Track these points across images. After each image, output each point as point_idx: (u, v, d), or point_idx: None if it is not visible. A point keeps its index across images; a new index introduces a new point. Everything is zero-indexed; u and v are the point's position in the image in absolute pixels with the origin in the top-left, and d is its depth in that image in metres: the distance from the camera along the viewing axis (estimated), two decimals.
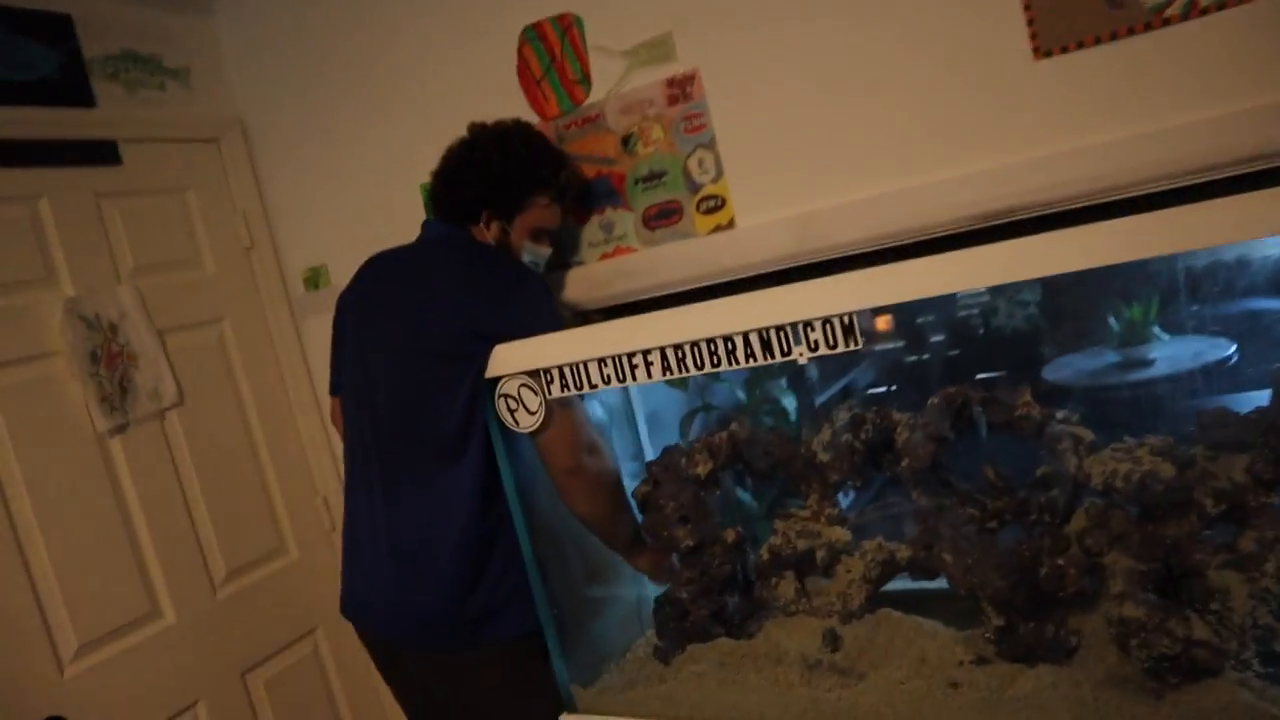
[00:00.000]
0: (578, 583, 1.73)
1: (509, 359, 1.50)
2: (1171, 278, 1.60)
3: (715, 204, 1.80)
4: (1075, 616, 1.24)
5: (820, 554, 1.45)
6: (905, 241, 1.62)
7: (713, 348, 1.29)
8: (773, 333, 1.24)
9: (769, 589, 1.49)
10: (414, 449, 1.61)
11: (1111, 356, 1.80)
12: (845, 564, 1.44)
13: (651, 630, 1.61)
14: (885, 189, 1.62)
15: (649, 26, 1.78)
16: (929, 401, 1.39)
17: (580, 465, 1.54)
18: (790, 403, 2.09)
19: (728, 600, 1.52)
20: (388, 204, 2.15)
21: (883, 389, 2.06)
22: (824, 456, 1.46)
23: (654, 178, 1.85)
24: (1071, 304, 1.82)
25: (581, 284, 1.95)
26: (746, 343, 1.26)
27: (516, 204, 1.72)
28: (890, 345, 1.92)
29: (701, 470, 1.54)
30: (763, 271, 1.76)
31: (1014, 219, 1.53)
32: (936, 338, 1.89)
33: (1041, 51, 1.47)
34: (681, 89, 1.78)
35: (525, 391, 1.48)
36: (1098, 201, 1.47)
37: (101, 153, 2.07)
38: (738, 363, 1.28)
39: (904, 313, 1.78)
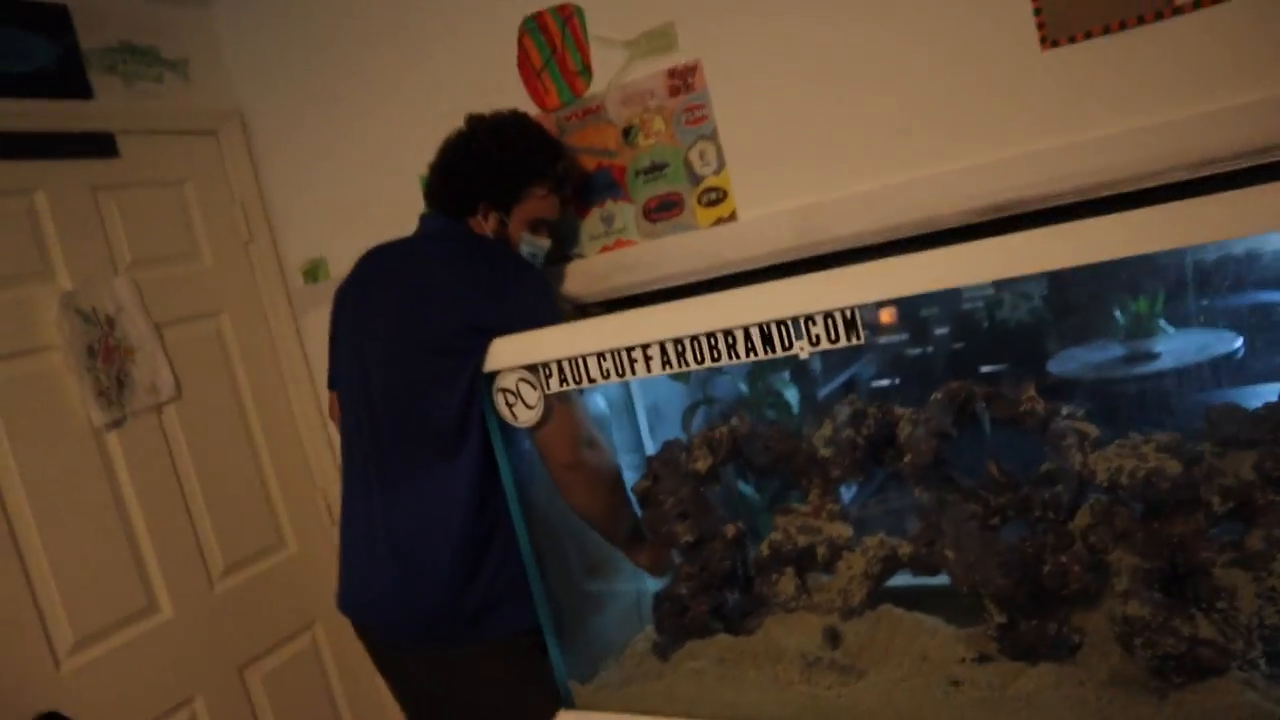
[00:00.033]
0: (576, 578, 1.72)
1: (507, 353, 1.48)
2: (1177, 270, 1.59)
3: (717, 196, 1.78)
4: (1078, 614, 1.23)
5: (821, 550, 1.44)
6: (909, 235, 1.60)
7: (713, 342, 1.28)
8: (774, 327, 1.23)
9: (769, 585, 1.48)
10: (411, 443, 1.60)
11: (1116, 349, 1.78)
12: (846, 560, 1.42)
13: (650, 626, 1.60)
14: (889, 181, 1.60)
15: (650, 16, 1.76)
16: (932, 397, 1.37)
17: (580, 460, 1.53)
18: (793, 395, 2.08)
19: (727, 596, 1.51)
20: (388, 196, 2.13)
21: (886, 382, 2.04)
22: (825, 452, 1.44)
23: (655, 170, 1.83)
24: (1076, 297, 1.81)
25: (581, 277, 1.94)
26: (747, 337, 1.25)
27: (514, 195, 1.71)
28: (894, 338, 1.90)
29: (701, 465, 1.53)
30: (764, 265, 1.74)
31: (1019, 212, 1.51)
32: (941, 330, 1.88)
33: (1049, 41, 1.45)
34: (683, 80, 1.76)
35: (523, 386, 1.47)
36: (1105, 195, 1.45)
37: (99, 145, 2.05)
38: (738, 358, 1.27)
39: (907, 306, 1.76)
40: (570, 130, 1.90)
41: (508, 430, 1.53)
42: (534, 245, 1.76)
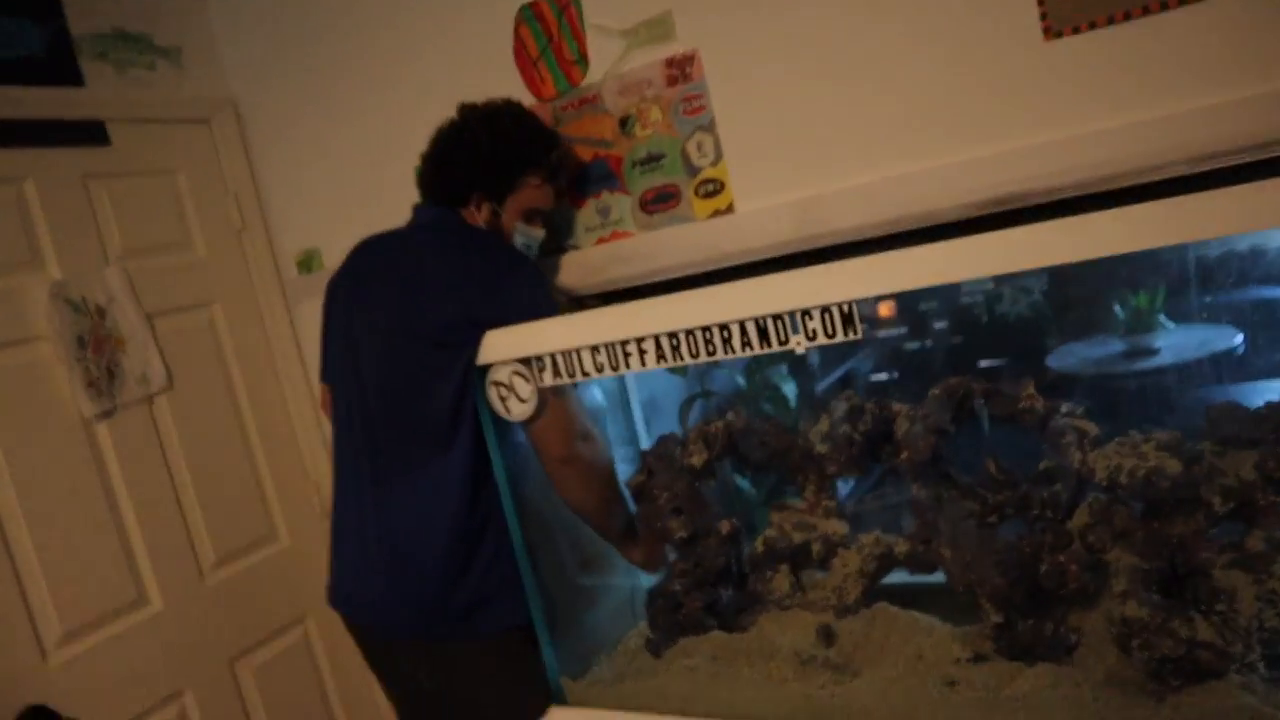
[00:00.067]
0: (569, 573, 1.70)
1: (500, 345, 1.47)
2: (1179, 265, 1.57)
3: (714, 188, 1.76)
4: (1076, 615, 1.21)
5: (816, 547, 1.43)
6: (907, 228, 1.59)
7: (709, 336, 1.27)
8: (770, 321, 1.21)
9: (764, 582, 1.47)
10: (404, 436, 1.59)
11: (1116, 344, 1.77)
12: (842, 557, 1.41)
13: (643, 622, 1.59)
14: (888, 174, 1.58)
15: (648, 5, 1.73)
16: (930, 393, 1.36)
17: (574, 454, 1.52)
18: (791, 389, 2.06)
19: (721, 593, 1.50)
20: (383, 186, 2.11)
21: (884, 375, 2.03)
22: (821, 448, 1.43)
23: (652, 160, 1.81)
24: (1076, 291, 1.80)
25: (576, 269, 1.92)
26: (743, 331, 1.24)
27: (507, 185, 1.69)
28: (892, 332, 1.89)
29: (696, 460, 1.51)
30: (762, 258, 1.72)
31: (1020, 206, 1.49)
32: (939, 324, 1.87)
33: (1052, 32, 1.42)
34: (681, 70, 1.74)
35: (517, 379, 1.45)
36: (1107, 189, 1.43)
37: (90, 133, 2.03)
38: (734, 352, 1.25)
39: (906, 300, 1.75)
40: (566, 120, 1.87)
41: (500, 423, 1.52)
42: (528, 236, 1.74)
